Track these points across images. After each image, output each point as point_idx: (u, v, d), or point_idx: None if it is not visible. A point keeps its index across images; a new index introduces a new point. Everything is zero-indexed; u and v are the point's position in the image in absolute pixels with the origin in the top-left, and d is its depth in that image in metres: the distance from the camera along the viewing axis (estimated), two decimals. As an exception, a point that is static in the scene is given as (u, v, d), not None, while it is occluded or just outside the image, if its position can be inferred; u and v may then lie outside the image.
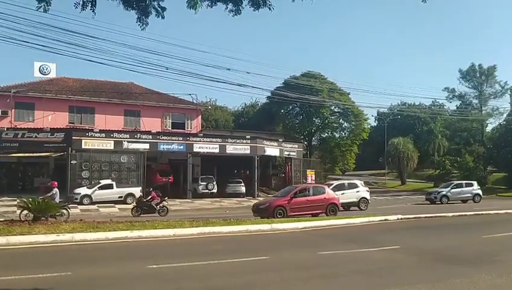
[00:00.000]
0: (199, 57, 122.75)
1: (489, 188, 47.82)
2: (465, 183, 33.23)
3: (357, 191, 25.97)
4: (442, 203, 29.65)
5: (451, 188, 31.49)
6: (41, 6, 5.43)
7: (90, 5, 5.56)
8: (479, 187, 32.64)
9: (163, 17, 6.01)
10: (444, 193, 30.99)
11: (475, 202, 30.54)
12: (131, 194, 28.85)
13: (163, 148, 32.95)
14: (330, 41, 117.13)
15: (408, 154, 55.68)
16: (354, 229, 15.36)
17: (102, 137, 31.00)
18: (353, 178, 36.58)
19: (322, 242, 12.37)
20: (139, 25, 5.96)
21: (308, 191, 20.06)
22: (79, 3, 5.53)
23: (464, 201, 30.96)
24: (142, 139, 32.16)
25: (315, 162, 45.66)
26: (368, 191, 27.14)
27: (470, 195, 31.37)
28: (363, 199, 25.81)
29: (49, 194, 17.68)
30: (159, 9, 5.96)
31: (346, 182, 27.96)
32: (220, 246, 11.63)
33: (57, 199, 17.67)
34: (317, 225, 15.67)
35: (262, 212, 18.36)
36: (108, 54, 42.86)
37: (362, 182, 28.73)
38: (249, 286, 7.23)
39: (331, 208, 19.51)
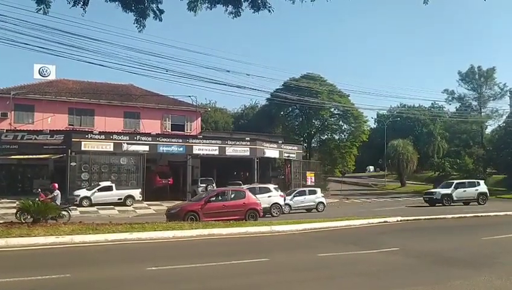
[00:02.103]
0: (199, 59, 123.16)
1: (489, 190, 47.71)
2: (309, 190, 29.16)
3: (269, 196, 24.42)
4: (284, 213, 25.38)
5: (294, 196, 27.58)
6: (40, 9, 5.45)
7: (81, 3, 5.57)
8: (323, 195, 29.53)
9: (160, 20, 6.03)
10: (286, 201, 26.74)
11: (318, 211, 27.06)
12: (130, 196, 28.88)
13: (163, 150, 32.96)
14: (330, 43, 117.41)
15: (408, 156, 55.68)
16: (354, 231, 15.36)
17: (101, 139, 31.01)
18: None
19: (321, 244, 12.36)
20: (136, 27, 5.98)
21: (227, 196, 19.15)
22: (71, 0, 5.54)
23: (309, 210, 27.38)
24: (142, 141, 32.17)
25: (315, 164, 45.65)
26: (282, 196, 25.37)
27: (313, 203, 27.71)
28: (276, 205, 24.34)
29: (50, 196, 17.73)
30: (157, 11, 5.98)
31: (257, 186, 26.44)
32: (219, 248, 11.63)
33: (58, 201, 17.71)
34: (316, 227, 15.67)
35: (173, 218, 17.28)
36: (108, 56, 42.90)
37: (276, 186, 27.28)
38: (249, 287, 7.24)
39: (251, 214, 18.63)
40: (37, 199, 16.77)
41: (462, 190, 29.97)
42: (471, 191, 30.21)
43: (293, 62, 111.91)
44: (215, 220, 16.49)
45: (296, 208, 27.07)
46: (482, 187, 30.79)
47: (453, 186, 30.13)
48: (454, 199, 29.46)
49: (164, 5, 6.10)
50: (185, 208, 18.10)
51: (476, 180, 32.96)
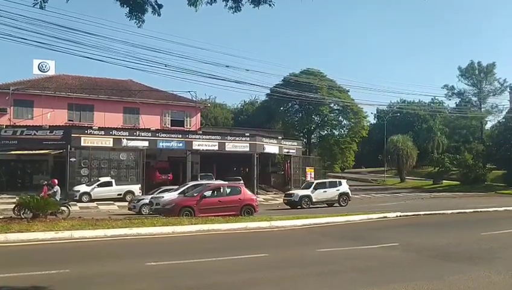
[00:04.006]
0: (198, 54, 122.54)
1: (488, 185, 47.89)
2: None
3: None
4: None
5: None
6: (37, 3, 5.39)
7: None
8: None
9: (159, 15, 5.97)
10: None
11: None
12: (130, 192, 28.88)
13: (163, 145, 32.94)
14: (330, 39, 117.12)
15: (407, 151, 55.68)
16: (353, 226, 15.37)
17: (101, 134, 30.99)
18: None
19: (321, 239, 12.37)
20: (135, 22, 5.92)
21: (222, 191, 18.97)
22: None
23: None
24: (141, 136, 32.15)
25: (314, 159, 45.66)
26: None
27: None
28: None
29: (50, 192, 17.76)
30: (155, 6, 5.93)
31: (193, 183, 24.41)
32: (218, 243, 11.66)
33: (58, 197, 17.74)
34: (316, 222, 15.70)
35: (168, 213, 17.15)
36: (107, 51, 42.56)
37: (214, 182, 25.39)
38: (249, 283, 7.23)
39: (247, 210, 18.43)
40: (41, 194, 16.89)
41: (322, 190, 27.49)
42: (332, 192, 27.74)
43: (293, 58, 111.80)
44: (211, 216, 16.35)
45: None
46: (344, 187, 28.40)
47: (312, 187, 27.60)
48: (314, 200, 26.77)
49: (162, 0, 6.05)
50: (180, 204, 18.00)
51: (337, 180, 30.31)
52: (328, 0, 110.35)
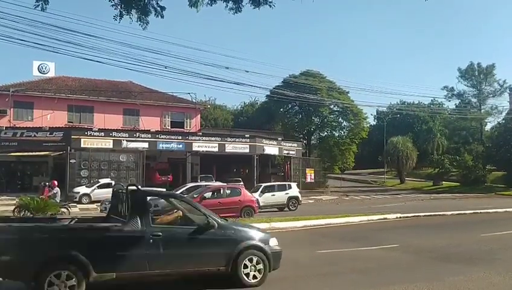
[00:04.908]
0: (198, 55, 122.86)
1: (488, 186, 47.86)
2: None
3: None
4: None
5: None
6: (39, 5, 5.43)
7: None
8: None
9: (162, 17, 5.99)
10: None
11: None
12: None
13: (162, 147, 32.95)
14: (330, 39, 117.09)
15: (407, 153, 55.69)
16: (353, 228, 15.38)
17: (101, 136, 31.02)
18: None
19: (321, 241, 12.39)
20: (140, 24, 5.93)
21: (222, 193, 18.97)
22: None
23: None
24: (141, 138, 32.17)
25: (314, 161, 45.67)
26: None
27: None
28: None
29: (50, 193, 17.77)
30: (158, 8, 5.95)
31: (189, 185, 23.36)
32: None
33: (58, 198, 17.74)
34: (316, 224, 15.70)
35: None
36: (107, 52, 42.70)
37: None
38: (248, 284, 7.22)
39: (247, 211, 18.44)
40: (43, 195, 16.90)
41: (271, 194, 26.05)
42: (280, 196, 26.27)
43: (293, 58, 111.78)
44: None
45: None
46: (293, 191, 27.02)
47: (260, 190, 26.15)
48: (261, 204, 24.63)
49: (163, 2, 6.07)
50: None
51: (286, 183, 28.78)
52: (328, 1, 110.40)
